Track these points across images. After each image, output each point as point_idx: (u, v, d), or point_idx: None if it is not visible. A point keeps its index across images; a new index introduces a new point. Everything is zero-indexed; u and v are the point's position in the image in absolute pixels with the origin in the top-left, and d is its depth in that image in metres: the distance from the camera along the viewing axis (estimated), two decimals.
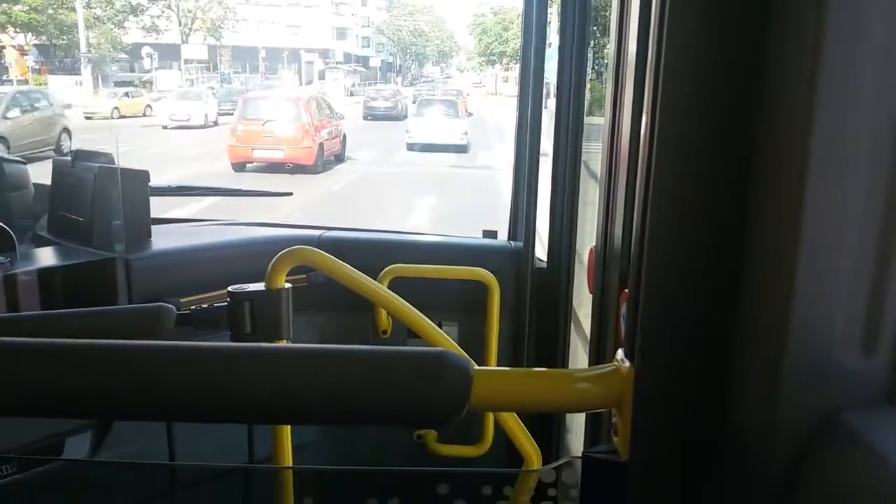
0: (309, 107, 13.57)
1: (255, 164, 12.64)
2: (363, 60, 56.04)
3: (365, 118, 23.07)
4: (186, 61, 32.65)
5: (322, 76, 43.75)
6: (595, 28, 2.00)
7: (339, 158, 14.39)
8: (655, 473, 0.68)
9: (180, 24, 36.13)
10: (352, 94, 38.15)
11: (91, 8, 29.91)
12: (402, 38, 61.13)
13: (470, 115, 19.37)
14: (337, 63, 48.16)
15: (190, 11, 36.95)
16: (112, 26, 31.10)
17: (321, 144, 13.38)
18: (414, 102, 20.69)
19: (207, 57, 37.71)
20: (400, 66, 64.50)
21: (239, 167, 12.64)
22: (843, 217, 0.54)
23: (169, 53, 34.73)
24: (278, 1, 45.59)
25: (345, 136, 15.09)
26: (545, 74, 2.23)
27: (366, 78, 49.33)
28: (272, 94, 18.09)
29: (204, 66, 38.11)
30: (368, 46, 60.26)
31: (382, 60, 60.35)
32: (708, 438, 0.64)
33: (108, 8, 31.10)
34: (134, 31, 33.20)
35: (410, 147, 16.22)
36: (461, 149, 16.23)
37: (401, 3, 62.84)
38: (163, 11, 34.96)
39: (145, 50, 32.95)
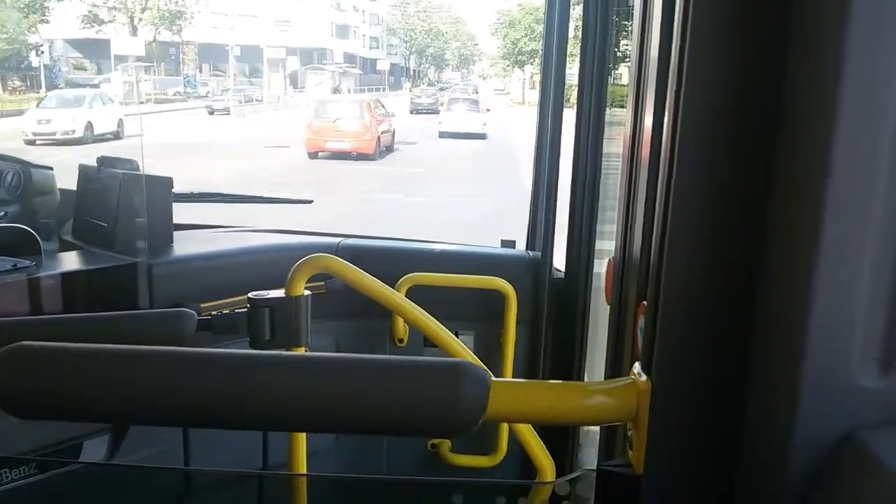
0: (369, 107, 17.25)
1: (325, 153, 16.09)
2: (370, 63, 50.19)
3: (411, 112, 28.89)
4: (118, 58, 24.58)
5: (293, 81, 35.23)
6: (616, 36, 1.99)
7: (390, 149, 17.75)
8: (670, 488, 0.67)
9: (130, 15, 27.95)
10: None
11: None
12: (416, 38, 55.49)
13: (487, 110, 24.41)
14: (326, 64, 39.80)
15: None
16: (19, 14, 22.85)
17: (378, 137, 16.72)
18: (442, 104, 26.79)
19: (146, 53, 28.16)
20: (415, 70, 59.19)
21: (313, 156, 15.98)
22: (864, 234, 0.53)
23: (98, 51, 27.25)
24: None
25: (394, 132, 18.36)
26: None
27: (370, 84, 43.58)
28: (340, 97, 23.89)
29: (155, 64, 29.96)
30: (378, 48, 53.45)
31: (393, 64, 54.28)
32: (723, 454, 0.64)
33: None
34: (67, 23, 25.93)
35: (441, 135, 20.78)
36: (481, 136, 20.64)
37: (415, 0, 56.05)
38: None
39: (54, 43, 26.41)
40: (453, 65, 62.76)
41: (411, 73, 58.44)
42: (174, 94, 28.75)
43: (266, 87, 33.61)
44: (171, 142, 14.52)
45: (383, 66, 50.58)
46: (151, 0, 28.73)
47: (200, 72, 34.13)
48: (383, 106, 19.26)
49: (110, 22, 28.03)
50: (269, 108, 28.16)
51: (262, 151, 16.22)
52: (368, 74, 49.15)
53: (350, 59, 45.40)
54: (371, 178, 14.23)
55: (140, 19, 28.89)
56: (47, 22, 24.95)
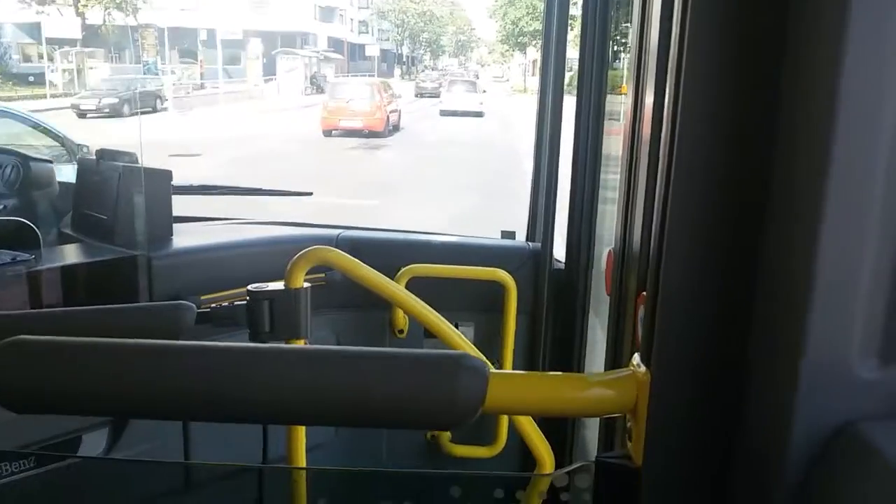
0: (379, 88, 18.80)
1: (338, 130, 17.59)
2: (359, 49, 46.19)
3: (416, 96, 31.47)
4: (49, 41, 21.65)
5: (270, 68, 29.84)
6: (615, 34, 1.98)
7: (397, 128, 19.47)
8: (669, 480, 0.67)
9: None
10: (318, 88, 27.95)
11: None
12: (408, 22, 50.34)
13: (484, 91, 26.67)
14: (309, 49, 35.14)
15: None
16: None
17: (388, 116, 18.38)
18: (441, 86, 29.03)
19: (100, 37, 26.07)
20: (409, 56, 54.82)
21: (327, 133, 17.50)
22: (863, 224, 0.53)
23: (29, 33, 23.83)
24: None
25: (400, 112, 20.06)
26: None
27: (359, 71, 39.76)
28: (353, 80, 24.62)
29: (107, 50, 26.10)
30: (367, 32, 49.01)
31: (384, 50, 50.14)
32: (723, 446, 0.64)
33: None
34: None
35: (443, 113, 23.26)
36: (478, 114, 23.02)
37: None
38: None
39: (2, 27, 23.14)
40: (450, 51, 59.64)
41: (404, 59, 54.34)
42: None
43: (248, 75, 30.39)
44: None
45: (372, 51, 46.36)
46: None
47: (162, 59, 29.40)
48: (391, 87, 20.79)
49: (50, 2, 24.15)
50: (230, 98, 25.10)
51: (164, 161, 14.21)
52: (357, 61, 45.74)
53: (336, 44, 41.67)
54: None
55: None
56: None
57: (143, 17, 27.85)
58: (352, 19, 47.20)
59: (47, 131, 5.81)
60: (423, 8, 50.82)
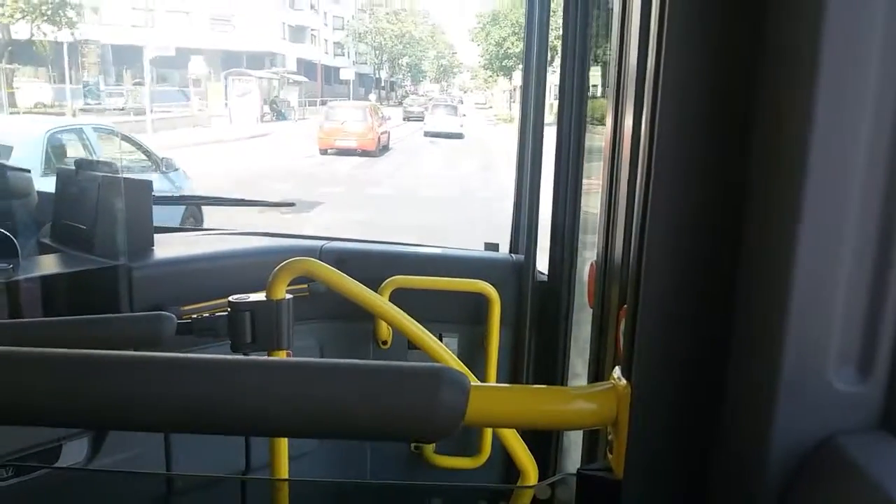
0: (371, 111, 20.68)
1: (334, 150, 19.16)
2: (334, 73, 43.73)
3: (404, 119, 33.45)
4: None
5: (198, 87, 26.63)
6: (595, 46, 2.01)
7: (386, 148, 21.38)
8: (649, 492, 0.68)
9: None
10: (279, 114, 26.13)
11: None
12: (386, 45, 48.27)
13: (464, 115, 29.52)
14: (272, 70, 31.75)
15: None
16: None
17: (379, 137, 20.29)
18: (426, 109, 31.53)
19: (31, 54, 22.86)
20: (388, 81, 51.87)
21: (323, 152, 19.16)
22: (840, 239, 0.54)
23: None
24: None
25: (390, 133, 22.23)
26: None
27: (334, 95, 36.52)
28: (347, 103, 25.98)
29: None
30: (343, 55, 46.77)
31: (362, 74, 47.26)
32: (702, 458, 0.64)
33: None
34: None
35: (426, 134, 25.81)
36: (459, 136, 25.28)
37: (386, 1, 48.15)
38: None
39: None
40: (431, 76, 57.65)
41: (383, 84, 51.30)
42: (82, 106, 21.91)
43: (207, 97, 27.05)
44: None
45: (347, 75, 43.68)
46: None
47: (106, 79, 26.89)
48: (381, 111, 22.92)
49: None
50: (166, 125, 20.73)
51: None
52: (333, 85, 43.41)
53: (308, 66, 39.61)
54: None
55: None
56: None
57: (85, 33, 25.13)
58: (326, 40, 44.98)
59: (139, 145, 7.63)
60: (401, 29, 49.17)
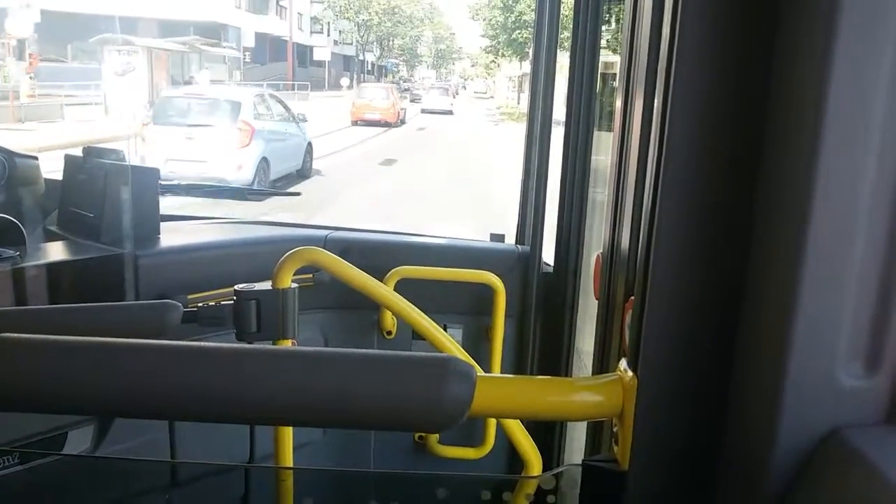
0: (392, 91, 27.07)
1: (362, 121, 24.43)
2: (309, 52, 37.56)
3: (410, 101, 37.14)
4: None
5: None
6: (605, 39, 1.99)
7: (402, 121, 27.04)
8: (654, 484, 0.68)
9: None
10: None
11: None
12: (373, 22, 40.79)
13: (455, 94, 41.30)
14: (221, 45, 25.77)
15: None
16: None
17: (398, 112, 26.20)
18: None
19: None
20: (375, 64, 44.30)
21: (354, 123, 24.31)
22: (850, 232, 0.53)
23: None
24: None
25: (406, 109, 28.42)
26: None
27: (308, 78, 32.22)
28: (373, 84, 31.83)
29: None
30: (322, 32, 40.07)
31: (347, 56, 40.26)
32: (708, 451, 0.64)
33: None
34: None
35: (423, 111, 32.54)
36: (449, 112, 32.53)
37: None
38: None
39: None
40: (428, 62, 53.16)
41: (369, 67, 43.94)
42: None
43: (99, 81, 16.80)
44: None
45: (322, 55, 37.41)
46: None
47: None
48: (401, 91, 30.52)
49: None
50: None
51: None
52: (309, 67, 37.24)
53: (278, 45, 34.35)
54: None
55: None
56: None
57: None
58: (300, 14, 37.77)
59: (284, 104, 13.08)
60: (390, 3, 42.01)
